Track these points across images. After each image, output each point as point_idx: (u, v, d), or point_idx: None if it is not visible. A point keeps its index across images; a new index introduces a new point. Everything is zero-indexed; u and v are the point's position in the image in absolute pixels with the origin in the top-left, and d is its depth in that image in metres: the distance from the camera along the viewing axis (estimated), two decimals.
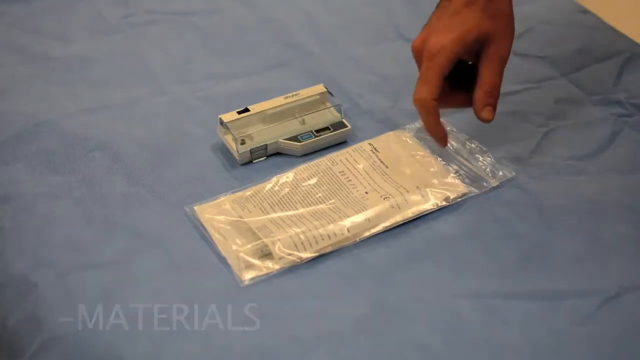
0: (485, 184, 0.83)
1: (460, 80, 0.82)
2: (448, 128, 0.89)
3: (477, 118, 0.82)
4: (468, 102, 0.82)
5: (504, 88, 0.96)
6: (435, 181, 0.83)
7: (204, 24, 1.08)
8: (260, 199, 0.81)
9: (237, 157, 0.86)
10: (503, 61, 0.80)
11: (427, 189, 0.81)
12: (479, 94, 0.80)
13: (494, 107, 0.81)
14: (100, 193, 0.82)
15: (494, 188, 0.83)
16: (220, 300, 0.72)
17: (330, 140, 0.88)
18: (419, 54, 0.81)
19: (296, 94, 0.89)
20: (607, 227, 0.79)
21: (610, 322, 0.71)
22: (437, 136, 0.82)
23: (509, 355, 0.69)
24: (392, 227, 0.78)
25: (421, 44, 0.80)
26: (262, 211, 0.79)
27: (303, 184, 0.83)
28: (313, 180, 0.83)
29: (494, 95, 0.81)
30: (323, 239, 0.76)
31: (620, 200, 0.82)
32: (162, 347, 0.68)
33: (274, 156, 0.88)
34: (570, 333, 0.70)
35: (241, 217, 0.79)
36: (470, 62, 0.82)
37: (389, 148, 0.87)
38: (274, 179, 0.83)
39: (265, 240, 0.76)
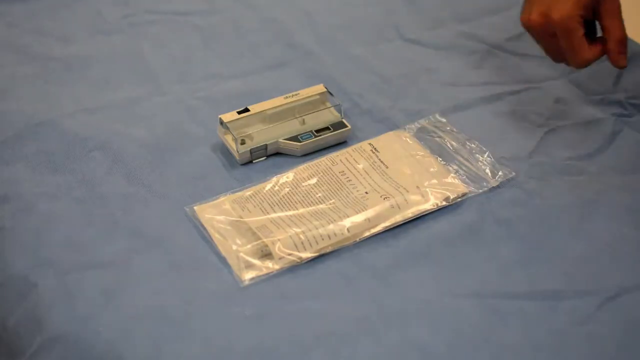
0: (485, 184, 0.83)
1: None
2: (448, 128, 0.90)
3: (614, 66, 0.86)
4: (595, 54, 0.85)
5: (504, 88, 0.97)
6: (435, 181, 0.83)
7: (204, 24, 1.08)
8: (260, 199, 0.81)
9: (237, 157, 0.86)
10: (620, 10, 0.84)
11: (427, 189, 0.81)
12: (612, 45, 0.84)
13: (626, 53, 0.86)
14: (100, 193, 0.82)
15: (494, 188, 0.83)
16: (220, 300, 0.72)
17: (330, 140, 0.88)
18: (540, 29, 0.84)
19: (296, 94, 0.89)
20: (607, 227, 0.79)
21: (610, 322, 0.71)
22: (584, 52, 0.85)
23: (509, 355, 0.69)
24: (392, 227, 0.78)
25: (543, 18, 0.83)
26: (262, 211, 0.79)
27: (303, 184, 0.83)
28: (313, 180, 0.83)
29: (625, 43, 0.85)
30: (323, 239, 0.76)
31: (620, 200, 0.82)
32: (162, 347, 0.68)
33: (274, 156, 0.88)
34: (570, 333, 0.70)
35: (241, 217, 0.79)
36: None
37: (389, 148, 0.87)
38: (274, 179, 0.83)
39: (265, 240, 0.76)
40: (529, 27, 0.85)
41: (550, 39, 0.84)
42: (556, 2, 0.82)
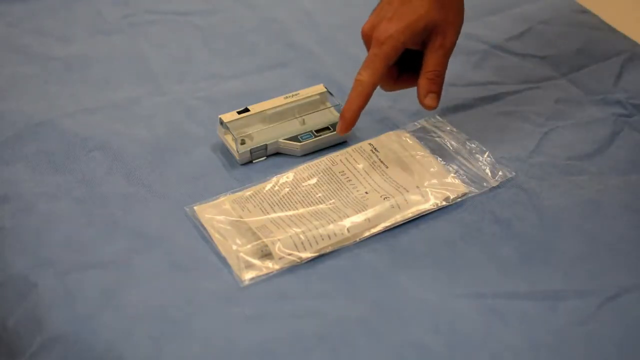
0: (485, 184, 0.83)
1: (409, 63, 0.83)
2: (448, 128, 0.90)
3: (421, 105, 0.82)
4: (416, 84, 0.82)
5: (504, 88, 0.97)
6: (435, 181, 0.83)
7: (204, 24, 1.08)
8: (260, 199, 0.81)
9: (237, 157, 0.86)
10: (448, 51, 0.81)
11: (427, 189, 0.81)
12: (423, 81, 0.81)
13: (438, 94, 0.81)
14: (100, 193, 0.82)
15: (494, 188, 0.83)
16: (220, 300, 0.72)
17: (330, 140, 0.88)
18: (368, 39, 0.82)
19: (296, 94, 0.89)
20: (607, 227, 0.79)
21: (610, 322, 0.71)
22: (347, 120, 0.82)
23: (509, 355, 0.69)
24: (392, 227, 0.78)
25: (370, 30, 0.81)
26: (262, 211, 0.79)
27: (303, 184, 0.83)
28: (313, 180, 0.83)
29: (437, 82, 0.81)
30: (323, 239, 0.76)
31: (620, 200, 0.82)
32: (162, 347, 0.68)
33: (274, 156, 0.88)
34: (570, 333, 0.70)
35: (241, 217, 0.79)
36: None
37: (389, 148, 0.87)
38: (274, 179, 0.83)
39: (265, 240, 0.76)
40: (361, 34, 0.83)
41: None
42: (388, 20, 0.79)
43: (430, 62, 0.80)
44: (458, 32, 0.82)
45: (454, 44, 0.81)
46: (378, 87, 0.82)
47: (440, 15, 0.79)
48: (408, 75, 0.84)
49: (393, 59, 0.80)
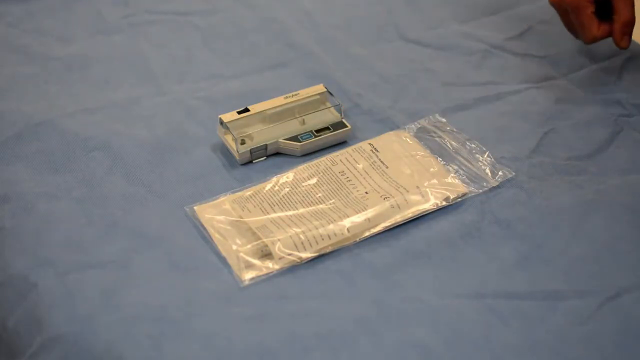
0: (485, 184, 0.83)
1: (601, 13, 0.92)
2: (448, 128, 0.90)
3: (617, 46, 0.93)
4: (602, 32, 0.92)
5: (504, 88, 0.97)
6: (435, 181, 0.83)
7: (204, 24, 1.08)
8: (260, 199, 0.81)
9: (237, 157, 0.86)
10: None
11: (427, 189, 0.81)
12: (617, 25, 0.91)
13: (630, 36, 0.93)
14: (100, 193, 0.82)
15: (494, 188, 0.83)
16: (220, 300, 0.72)
17: (330, 140, 0.88)
18: (557, 6, 0.93)
19: (296, 94, 0.89)
20: (607, 227, 0.79)
21: (610, 322, 0.71)
22: (592, 30, 0.92)
23: (509, 355, 0.69)
24: (392, 227, 0.78)
25: None
26: (262, 211, 0.79)
27: (303, 184, 0.83)
28: (313, 180, 0.83)
29: (631, 25, 0.92)
30: (323, 239, 0.76)
31: (620, 200, 0.82)
32: (162, 347, 0.68)
33: (274, 156, 0.88)
34: (570, 333, 0.70)
35: (241, 217, 0.79)
36: None
37: (389, 148, 0.87)
38: (274, 179, 0.83)
39: (265, 240, 0.76)
40: (550, 3, 0.93)
41: (566, 15, 0.92)
42: None
43: (619, 8, 0.90)
44: None
45: None
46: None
47: None
48: (604, 25, 0.92)
49: (592, 9, 0.90)
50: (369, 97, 0.95)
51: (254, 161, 0.87)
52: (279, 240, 0.76)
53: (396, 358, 0.68)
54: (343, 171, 0.84)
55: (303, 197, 0.81)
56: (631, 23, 0.92)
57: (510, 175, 0.84)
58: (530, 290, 0.74)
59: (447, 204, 0.81)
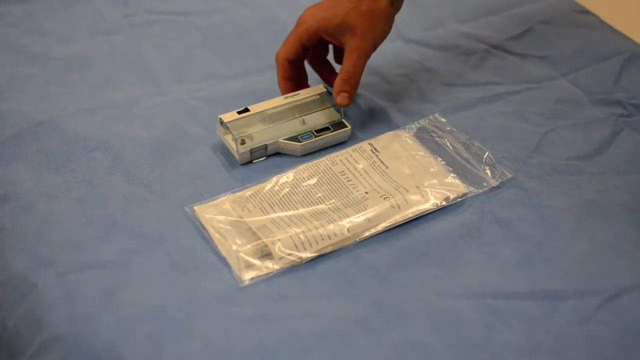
0: (485, 184, 0.83)
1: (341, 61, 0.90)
2: (448, 128, 0.90)
3: (335, 101, 0.88)
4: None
5: (504, 88, 0.97)
6: (435, 181, 0.83)
7: (204, 24, 1.08)
8: (260, 199, 0.81)
9: (237, 157, 0.86)
10: (363, 54, 0.87)
11: (427, 189, 0.81)
12: (337, 80, 0.87)
13: (350, 94, 0.87)
14: (100, 193, 0.82)
15: (494, 188, 0.83)
16: (220, 300, 0.72)
17: (330, 140, 0.88)
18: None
19: (296, 94, 0.89)
20: (607, 227, 0.79)
21: (610, 322, 0.71)
22: (282, 89, 0.91)
23: (509, 355, 0.69)
24: (392, 227, 0.78)
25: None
26: (262, 211, 0.79)
27: (303, 184, 0.83)
28: (313, 180, 0.83)
29: (350, 83, 0.87)
30: (323, 239, 0.76)
31: (620, 200, 0.82)
32: (162, 347, 0.68)
33: (274, 156, 0.88)
34: (570, 333, 0.70)
35: (241, 217, 0.79)
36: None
37: (389, 148, 0.87)
38: (274, 179, 0.83)
39: (265, 240, 0.76)
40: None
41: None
42: (316, 8, 0.88)
43: (346, 62, 0.87)
44: (378, 41, 0.88)
45: (370, 49, 0.87)
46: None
47: (358, 21, 0.86)
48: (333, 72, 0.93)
49: (305, 41, 0.88)
50: (369, 97, 0.95)
51: (254, 161, 0.87)
52: (279, 240, 0.76)
53: (396, 358, 0.68)
54: (343, 171, 0.84)
55: (303, 197, 0.81)
56: (350, 81, 0.87)
57: (510, 175, 0.84)
58: (530, 290, 0.74)
59: (447, 204, 0.81)
